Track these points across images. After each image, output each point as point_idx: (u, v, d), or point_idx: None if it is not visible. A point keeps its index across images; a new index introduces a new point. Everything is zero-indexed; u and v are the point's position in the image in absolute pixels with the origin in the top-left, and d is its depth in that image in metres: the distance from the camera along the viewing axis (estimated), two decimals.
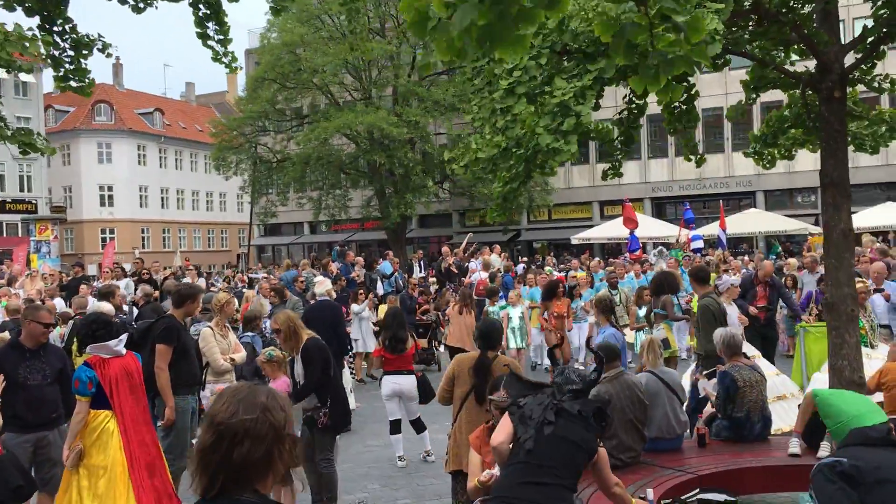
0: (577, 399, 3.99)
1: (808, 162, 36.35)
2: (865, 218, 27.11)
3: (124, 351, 5.85)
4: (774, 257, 23.83)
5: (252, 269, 31.80)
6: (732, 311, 9.15)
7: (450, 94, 33.56)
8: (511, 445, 3.99)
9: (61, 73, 7.11)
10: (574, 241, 32.16)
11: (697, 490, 5.10)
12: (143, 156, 54.24)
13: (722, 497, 5.00)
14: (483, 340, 6.04)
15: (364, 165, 36.60)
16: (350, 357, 11.90)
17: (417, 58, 37.01)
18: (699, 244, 22.66)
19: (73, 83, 7.17)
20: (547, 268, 21.31)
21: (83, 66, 7.09)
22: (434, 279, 23.13)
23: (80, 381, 5.66)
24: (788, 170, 36.52)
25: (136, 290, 13.31)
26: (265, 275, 23.35)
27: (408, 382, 8.45)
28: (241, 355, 7.80)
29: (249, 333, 9.83)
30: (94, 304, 9.60)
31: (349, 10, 34.03)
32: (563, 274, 18.89)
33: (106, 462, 5.67)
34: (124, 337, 5.90)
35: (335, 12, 35.57)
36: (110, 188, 52.42)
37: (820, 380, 7.95)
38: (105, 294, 9.25)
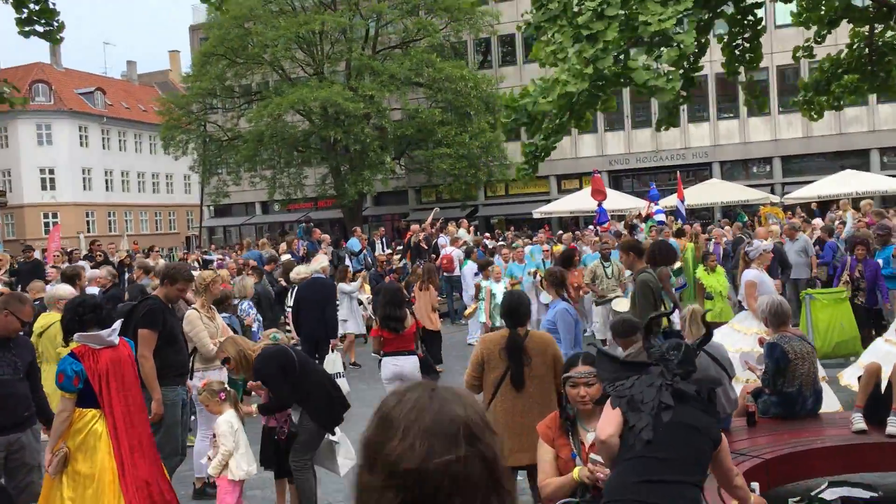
0: (688, 377, 3.49)
1: (763, 132, 36.76)
2: (824, 187, 27.29)
3: (118, 340, 5.20)
4: (742, 225, 23.81)
5: (206, 250, 30.84)
6: (767, 279, 8.76)
7: (405, 68, 32.83)
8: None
9: (24, 16, 6.20)
10: (536, 215, 31.89)
11: (826, 484, 4.70)
12: (84, 137, 52.27)
13: (867, 494, 4.58)
14: (510, 317, 5.44)
15: (318, 142, 35.69)
16: (341, 339, 11.38)
17: (371, 31, 36.20)
18: (661, 217, 22.48)
19: (38, 27, 6.27)
20: (515, 243, 20.92)
21: (50, 5, 6.18)
22: (398, 255, 22.65)
23: (66, 376, 4.97)
24: (744, 140, 36.83)
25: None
26: (219, 257, 22.55)
27: (409, 364, 7.96)
28: None
29: (224, 315, 9.27)
30: (50, 290, 8.87)
31: None
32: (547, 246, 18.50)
33: (93, 469, 5.01)
34: (118, 324, 5.25)
35: None
36: (51, 171, 50.41)
37: (883, 350, 7.54)
38: (70, 277, 8.51)
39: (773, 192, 33.71)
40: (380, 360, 8.18)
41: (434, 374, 8.24)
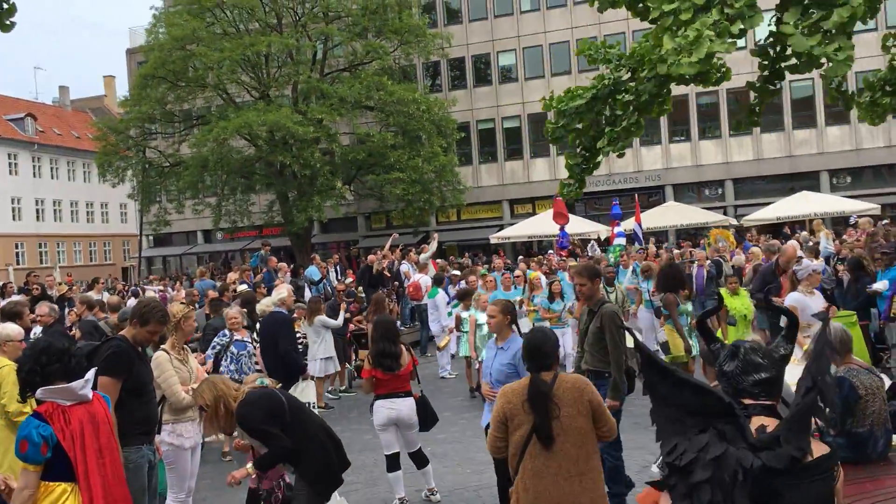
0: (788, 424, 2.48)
1: (714, 155, 36.87)
2: (781, 208, 27.21)
3: (91, 394, 4.10)
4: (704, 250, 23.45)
5: (146, 280, 29.26)
6: (816, 302, 7.99)
7: (355, 91, 31.93)
8: None
9: None
10: (493, 241, 31.17)
11: None
12: (14, 165, 49.82)
13: None
14: (532, 360, 4.51)
15: (265, 168, 34.44)
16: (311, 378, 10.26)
17: (318, 53, 35.24)
18: (622, 241, 21.91)
19: None
20: (482, 269, 20.05)
21: None
22: (353, 283, 21.59)
23: (31, 443, 3.85)
24: (696, 163, 36.87)
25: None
26: (160, 288, 21.14)
27: (406, 406, 6.98)
28: None
29: (239, 339, 8.38)
30: None
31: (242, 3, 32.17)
32: (507, 273, 17.66)
33: None
34: (91, 373, 4.14)
35: (229, 5, 33.37)
36: None
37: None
38: (11, 314, 7.29)
39: (725, 213, 33.69)
40: (371, 403, 7.18)
41: (433, 417, 7.24)
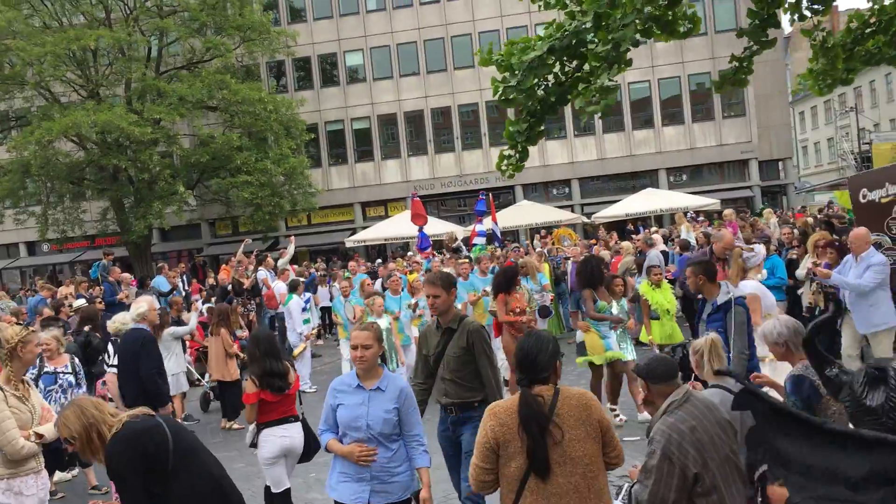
0: None
1: (560, 155, 37.67)
2: (631, 205, 28.03)
3: None
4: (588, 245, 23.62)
5: None
6: (770, 294, 7.79)
7: (196, 90, 30.08)
8: None
9: None
10: (349, 244, 30.29)
11: None
12: None
13: None
14: (524, 370, 3.66)
15: (96, 172, 31.82)
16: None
17: (153, 49, 33.02)
18: (482, 240, 21.65)
19: None
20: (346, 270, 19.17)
21: None
22: (198, 296, 20.17)
23: None
24: (543, 163, 37.50)
25: None
26: None
27: (297, 433, 6.11)
28: (49, 427, 4.93)
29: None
30: None
31: None
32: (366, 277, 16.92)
33: None
34: None
35: None
36: None
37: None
38: None
39: (573, 212, 34.47)
40: (256, 433, 6.18)
41: (315, 443, 6.21)
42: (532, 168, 37.62)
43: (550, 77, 7.37)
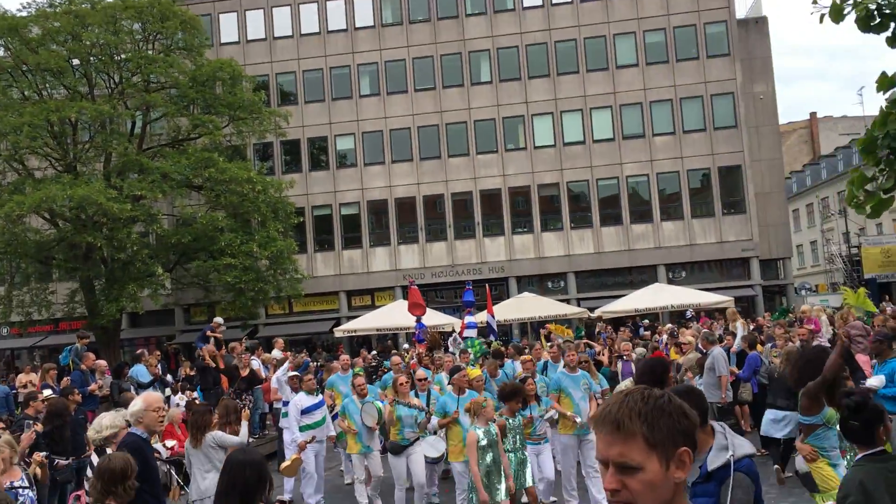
0: None
1: (556, 248, 36.36)
2: (641, 300, 26.57)
3: None
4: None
5: None
6: None
7: (181, 167, 28.53)
8: None
9: None
10: (338, 334, 28.29)
11: None
12: None
13: None
14: None
15: (67, 251, 29.73)
16: None
17: (137, 124, 31.59)
18: (473, 333, 19.82)
19: None
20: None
21: None
22: (172, 388, 18.08)
23: None
24: (538, 255, 36.16)
25: None
26: None
27: None
28: None
29: None
30: None
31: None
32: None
33: None
34: None
35: (31, 65, 29.19)
36: None
37: None
38: None
39: (571, 305, 32.88)
40: None
41: None
42: (527, 260, 36.29)
43: None
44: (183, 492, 9.90)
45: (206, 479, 7.69)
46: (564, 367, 10.10)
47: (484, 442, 7.72)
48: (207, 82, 30.86)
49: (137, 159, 28.51)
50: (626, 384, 7.97)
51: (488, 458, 7.73)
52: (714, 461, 3.77)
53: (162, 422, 5.98)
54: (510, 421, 8.44)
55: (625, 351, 12.80)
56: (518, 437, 8.50)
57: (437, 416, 9.31)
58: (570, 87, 36.43)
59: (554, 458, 9.88)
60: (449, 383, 10.95)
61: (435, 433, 9.73)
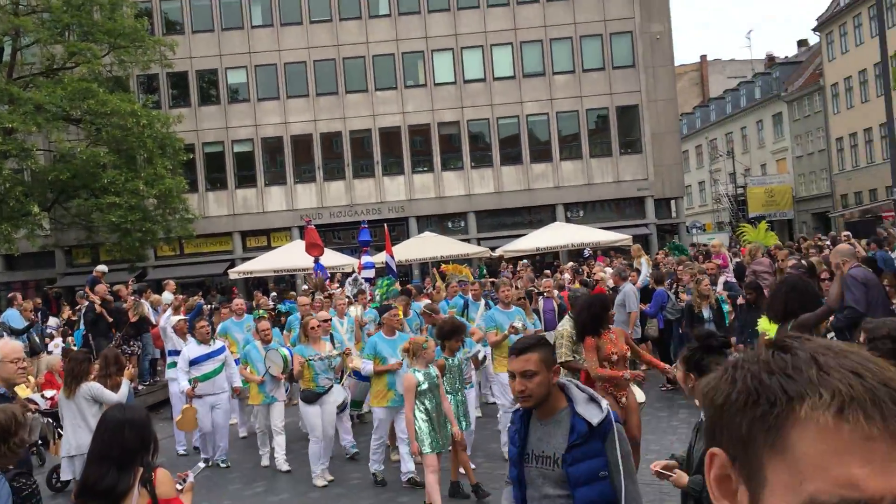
0: None
1: (457, 187, 36.02)
2: (541, 239, 26.59)
3: None
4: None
5: None
6: None
7: (56, 98, 26.43)
8: None
9: None
10: (232, 276, 27.21)
11: None
12: None
13: None
14: None
15: None
16: None
17: (6, 51, 29.06)
18: (370, 273, 19.33)
19: None
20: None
21: None
22: (53, 335, 16.96)
23: None
24: (439, 195, 35.77)
25: None
26: None
27: None
28: None
29: None
30: None
31: None
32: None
33: None
34: None
35: None
36: None
37: None
38: None
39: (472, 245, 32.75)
40: None
41: None
42: (427, 200, 35.84)
43: None
44: None
45: (77, 435, 7.01)
46: (498, 303, 9.93)
47: (425, 386, 7.21)
48: (84, 6, 28.52)
49: (7, 89, 26.22)
50: (565, 324, 7.56)
51: (428, 403, 7.25)
52: (591, 415, 3.43)
53: (22, 373, 5.23)
54: (450, 361, 8.00)
55: (545, 288, 12.57)
56: (458, 377, 8.10)
57: (368, 359, 8.75)
58: (471, 23, 35.70)
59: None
60: (379, 323, 10.32)
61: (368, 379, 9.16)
